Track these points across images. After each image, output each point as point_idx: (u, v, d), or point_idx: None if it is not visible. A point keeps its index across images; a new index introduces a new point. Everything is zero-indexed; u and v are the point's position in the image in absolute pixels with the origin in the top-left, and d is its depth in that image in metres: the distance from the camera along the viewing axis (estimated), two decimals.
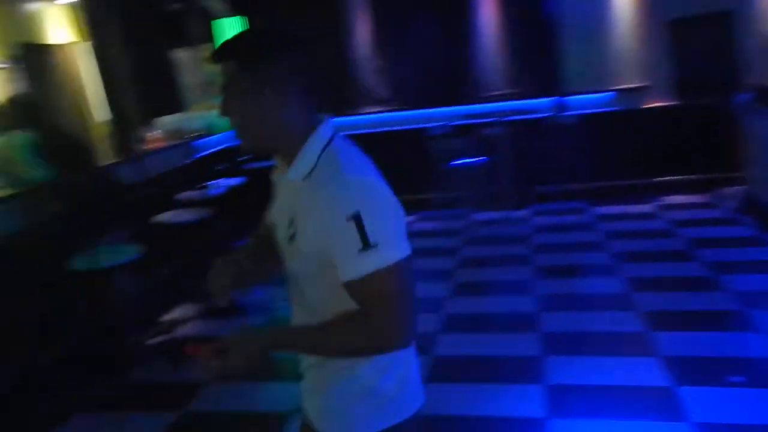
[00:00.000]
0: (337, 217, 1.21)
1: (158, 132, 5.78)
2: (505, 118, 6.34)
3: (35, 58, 5.76)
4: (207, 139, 6.43)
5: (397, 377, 1.35)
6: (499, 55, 6.85)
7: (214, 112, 6.73)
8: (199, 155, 6.25)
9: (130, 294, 3.83)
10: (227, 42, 1.32)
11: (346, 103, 7.11)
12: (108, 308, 3.87)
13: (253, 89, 1.28)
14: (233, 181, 5.20)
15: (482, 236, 5.89)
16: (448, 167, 6.03)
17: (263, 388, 3.50)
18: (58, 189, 3.15)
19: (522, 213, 6.33)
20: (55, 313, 3.17)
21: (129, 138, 4.93)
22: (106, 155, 4.99)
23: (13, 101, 3.73)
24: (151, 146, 5.48)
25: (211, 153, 6.51)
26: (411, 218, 6.75)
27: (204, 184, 4.43)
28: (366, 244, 1.21)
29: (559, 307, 4.12)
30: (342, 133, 1.38)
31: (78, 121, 5.80)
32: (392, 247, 1.24)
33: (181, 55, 7.13)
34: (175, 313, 4.51)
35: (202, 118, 6.51)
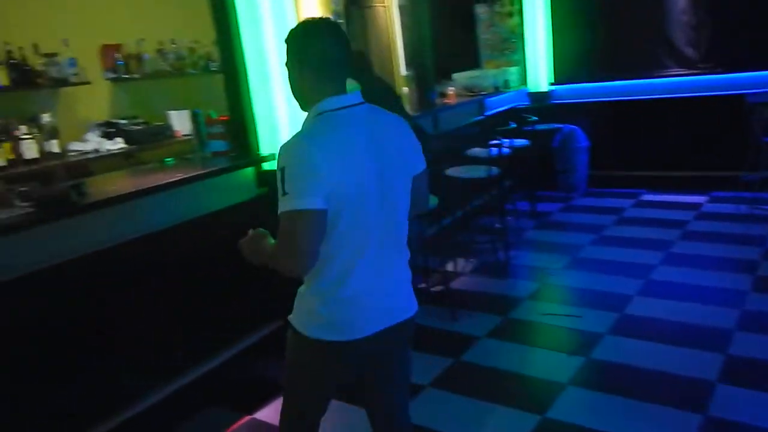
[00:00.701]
0: (277, 167, 1.66)
1: (453, 87, 5.95)
2: None
3: (355, 14, 6.34)
4: (497, 97, 6.44)
5: (321, 310, 1.78)
6: None
7: (506, 70, 6.71)
8: (488, 113, 6.31)
9: (414, 241, 4.05)
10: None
11: (651, 64, 6.47)
12: None
13: (287, 66, 1.80)
14: (518, 142, 5.14)
15: None
16: None
17: (540, 354, 3.47)
18: None
19: None
20: None
21: (428, 92, 5.15)
22: (412, 108, 5.30)
23: None
24: (446, 101, 5.67)
25: (499, 112, 6.52)
26: (703, 198, 6.00)
27: (491, 142, 4.44)
28: (283, 192, 1.62)
29: None
30: (334, 111, 1.72)
31: (389, 73, 6.27)
32: (297, 199, 1.61)
33: (481, 11, 7.19)
34: (451, 266, 4.68)
35: (494, 76, 6.53)
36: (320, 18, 1.82)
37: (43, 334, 2.41)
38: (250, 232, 1.88)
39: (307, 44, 1.74)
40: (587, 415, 2.83)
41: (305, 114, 1.78)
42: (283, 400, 1.98)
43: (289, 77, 1.80)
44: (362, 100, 1.80)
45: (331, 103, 1.73)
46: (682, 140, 6.34)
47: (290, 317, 1.88)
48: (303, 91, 1.78)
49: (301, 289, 1.86)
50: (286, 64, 1.79)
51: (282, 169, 1.63)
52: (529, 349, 3.53)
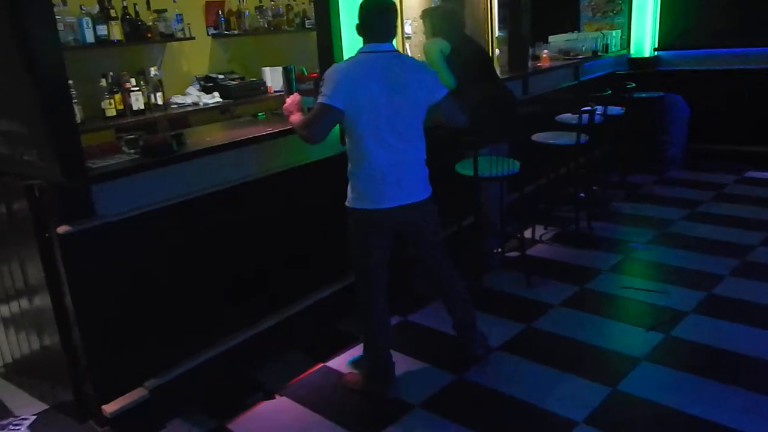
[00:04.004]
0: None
1: (548, 51, 5.76)
2: None
3: None
4: (594, 61, 6.18)
5: (356, 186, 2.68)
6: None
7: (607, 34, 6.40)
8: (585, 78, 6.08)
9: (496, 205, 4.03)
10: None
11: (765, 32, 5.98)
12: (476, 214, 4.17)
13: (357, 24, 2.70)
14: (613, 110, 4.93)
15: None
16: None
17: (616, 327, 3.41)
18: (462, 96, 3.43)
19: None
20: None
21: (523, 54, 5.02)
22: (502, 70, 5.20)
23: (435, 10, 4.11)
24: (541, 64, 5.51)
25: (596, 77, 6.26)
26: (732, 177, 5.56)
27: (585, 108, 4.29)
28: (320, 92, 2.58)
29: None
30: (367, 53, 2.64)
31: (483, 34, 6.14)
32: (325, 98, 2.54)
33: None
34: (529, 233, 4.63)
35: (593, 40, 6.25)
36: None
37: (147, 271, 2.65)
38: (294, 95, 2.93)
39: (366, 11, 2.65)
40: (661, 391, 2.78)
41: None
42: (354, 265, 2.80)
43: (356, 30, 2.70)
44: (393, 48, 2.68)
45: (368, 48, 2.65)
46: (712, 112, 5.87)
47: (346, 202, 2.73)
48: (361, 38, 2.70)
49: (347, 174, 2.71)
50: (357, 23, 2.69)
51: (322, 80, 2.61)
52: (604, 321, 3.47)
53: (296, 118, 2.77)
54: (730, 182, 5.75)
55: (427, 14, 4.05)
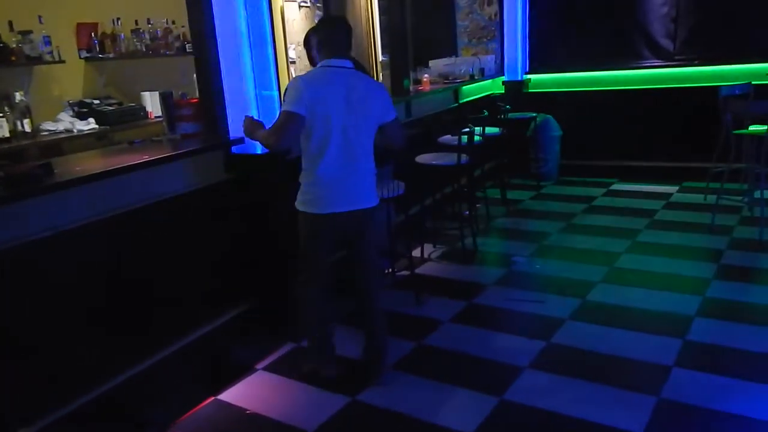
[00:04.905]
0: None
1: (428, 75, 5.99)
2: None
3: None
4: (472, 85, 6.49)
5: (305, 190, 2.89)
6: None
7: (482, 58, 6.75)
8: (464, 100, 6.36)
9: (383, 226, 4.11)
10: None
11: (627, 55, 6.57)
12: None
13: (310, 43, 3.14)
14: (490, 131, 5.19)
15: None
16: (740, 134, 5.23)
17: (501, 338, 3.56)
18: None
19: None
20: None
21: (402, 79, 5.18)
22: None
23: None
24: (420, 88, 5.71)
25: (473, 99, 6.58)
26: (673, 188, 6.15)
27: (463, 129, 4.49)
28: (282, 102, 2.80)
29: None
30: (331, 64, 2.85)
31: (367, 57, 6.25)
32: (288, 105, 2.73)
33: None
34: (418, 252, 4.75)
35: (470, 64, 6.57)
36: (336, 15, 2.99)
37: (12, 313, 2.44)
38: (251, 116, 3.05)
39: (325, 28, 2.99)
40: (543, 397, 2.93)
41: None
42: (300, 253, 3.00)
43: (310, 49, 3.07)
44: (352, 66, 2.87)
45: (328, 62, 2.85)
46: (654, 131, 6.46)
47: (296, 202, 2.92)
48: (317, 54, 2.92)
49: (299, 180, 2.89)
50: (308, 41, 3.18)
51: (286, 89, 2.89)
52: (491, 333, 3.62)
53: (261, 132, 2.92)
54: (599, 195, 6.22)
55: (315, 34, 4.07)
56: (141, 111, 5.35)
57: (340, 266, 3.23)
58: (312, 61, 2.97)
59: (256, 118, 3.10)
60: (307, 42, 3.49)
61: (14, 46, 4.51)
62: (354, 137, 2.82)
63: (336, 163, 2.80)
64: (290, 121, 2.72)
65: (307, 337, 3.26)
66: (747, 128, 5.02)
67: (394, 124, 2.97)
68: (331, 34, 2.89)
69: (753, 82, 5.26)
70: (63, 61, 4.89)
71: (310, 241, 2.96)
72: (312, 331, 3.18)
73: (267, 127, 2.93)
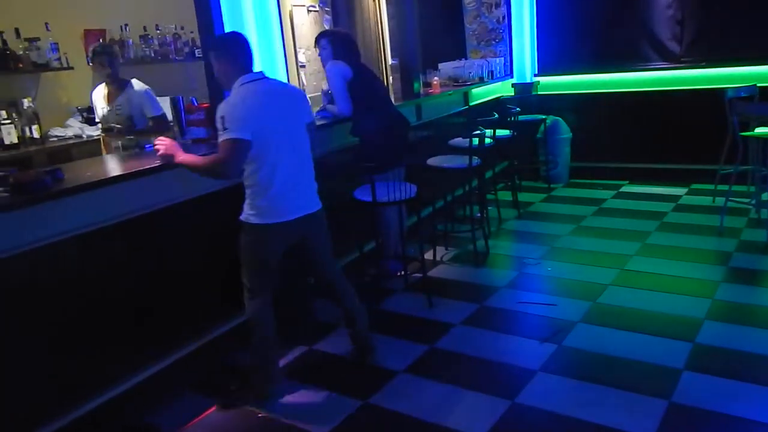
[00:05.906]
0: (217, 119, 2.70)
1: (438, 77, 5.98)
2: None
3: (341, 2, 6.30)
4: (482, 87, 6.48)
5: (258, 204, 2.83)
6: None
7: (491, 61, 6.74)
8: (473, 103, 6.35)
9: (395, 229, 4.10)
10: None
11: (634, 57, 6.53)
12: (376, 239, 4.22)
13: (215, 60, 2.88)
14: (500, 133, 5.18)
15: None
16: (745, 137, 5.19)
17: (512, 341, 3.53)
18: (359, 124, 3.49)
19: None
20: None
21: (412, 82, 5.17)
22: (396, 97, 5.32)
23: (336, 33, 4.15)
24: (430, 91, 5.70)
25: (483, 102, 6.56)
26: (682, 190, 6.11)
27: (475, 132, 4.48)
28: (224, 128, 2.66)
29: None
30: (251, 78, 2.80)
31: (376, 62, 6.26)
32: (233, 132, 2.65)
33: (468, 1, 7.21)
34: (430, 255, 4.73)
35: (479, 66, 6.56)
36: (234, 32, 2.97)
37: (18, 317, 2.44)
38: (162, 139, 2.90)
39: (232, 46, 2.83)
40: (555, 400, 2.90)
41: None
42: (247, 271, 2.94)
43: (216, 68, 2.85)
44: (264, 75, 2.87)
45: (247, 78, 2.80)
46: (662, 133, 6.42)
47: (240, 217, 2.88)
48: (228, 75, 2.83)
49: (247, 194, 2.86)
50: (213, 59, 2.86)
51: (222, 117, 2.67)
52: (502, 336, 3.59)
53: (189, 158, 2.82)
54: (608, 197, 6.18)
55: (327, 36, 4.08)
56: None
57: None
58: (227, 84, 2.85)
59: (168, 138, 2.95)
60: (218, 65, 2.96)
61: (21, 53, 4.54)
62: (297, 143, 2.88)
63: (290, 171, 2.83)
64: (238, 149, 2.66)
65: (262, 358, 3.04)
66: (753, 130, 4.98)
67: (312, 126, 3.01)
68: (238, 51, 2.81)
69: (758, 85, 5.21)
70: (71, 68, 4.92)
71: (263, 253, 2.91)
72: (272, 350, 3.05)
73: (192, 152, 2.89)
